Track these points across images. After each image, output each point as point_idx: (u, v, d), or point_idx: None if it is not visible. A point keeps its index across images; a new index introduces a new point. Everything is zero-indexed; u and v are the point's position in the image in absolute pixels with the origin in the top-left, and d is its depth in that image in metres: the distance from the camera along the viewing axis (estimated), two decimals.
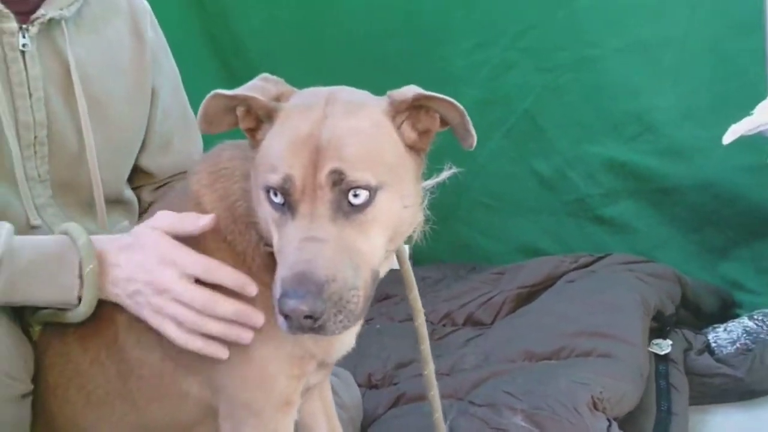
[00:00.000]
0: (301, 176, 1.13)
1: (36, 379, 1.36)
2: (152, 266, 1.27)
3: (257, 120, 1.24)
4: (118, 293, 1.31)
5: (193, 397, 1.37)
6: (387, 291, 2.69)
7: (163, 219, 1.32)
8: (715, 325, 2.37)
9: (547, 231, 2.96)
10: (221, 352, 1.28)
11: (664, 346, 2.18)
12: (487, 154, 2.92)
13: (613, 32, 2.73)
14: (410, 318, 2.46)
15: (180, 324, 1.27)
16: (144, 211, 1.74)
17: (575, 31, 2.77)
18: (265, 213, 1.20)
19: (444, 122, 1.24)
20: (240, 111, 1.24)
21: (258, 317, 1.27)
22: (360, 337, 2.34)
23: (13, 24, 1.48)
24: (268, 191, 1.17)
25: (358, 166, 1.14)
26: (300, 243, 1.12)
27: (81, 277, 1.28)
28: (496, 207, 3.01)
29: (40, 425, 1.41)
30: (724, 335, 2.30)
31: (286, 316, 1.09)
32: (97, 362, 1.38)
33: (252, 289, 1.27)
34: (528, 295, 2.51)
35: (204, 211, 1.31)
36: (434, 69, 2.89)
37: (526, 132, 2.91)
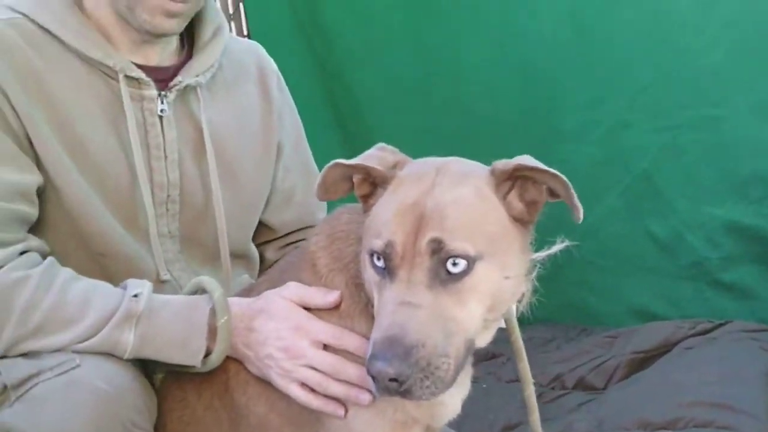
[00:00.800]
0: (401, 242, 1.16)
1: (156, 424, 1.42)
2: (287, 334, 1.35)
3: (372, 187, 1.29)
4: (248, 354, 1.38)
5: None
6: (493, 351, 2.65)
7: (293, 290, 1.39)
8: None
9: (662, 294, 2.86)
10: (339, 411, 1.34)
11: None
12: (601, 214, 2.86)
13: (738, 91, 2.66)
14: (517, 379, 2.44)
15: (304, 385, 1.34)
16: (267, 267, 1.80)
17: (696, 90, 2.71)
18: (369, 276, 1.24)
19: (554, 194, 1.24)
20: (357, 179, 1.30)
21: None
22: (466, 398, 2.34)
23: (153, 91, 1.57)
24: (372, 255, 1.21)
25: (458, 235, 1.16)
26: (395, 307, 1.15)
27: (210, 332, 1.36)
28: (608, 267, 2.94)
29: None
30: None
31: (374, 378, 1.12)
32: (211, 408, 1.44)
33: None
34: (642, 361, 2.43)
35: (318, 272, 1.38)
36: (549, 127, 2.88)
37: (642, 192, 2.84)
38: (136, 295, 1.36)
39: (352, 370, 1.32)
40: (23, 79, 1.44)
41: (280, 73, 1.87)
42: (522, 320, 3.05)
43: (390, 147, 1.33)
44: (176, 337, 1.35)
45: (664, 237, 2.84)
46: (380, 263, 1.19)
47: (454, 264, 1.16)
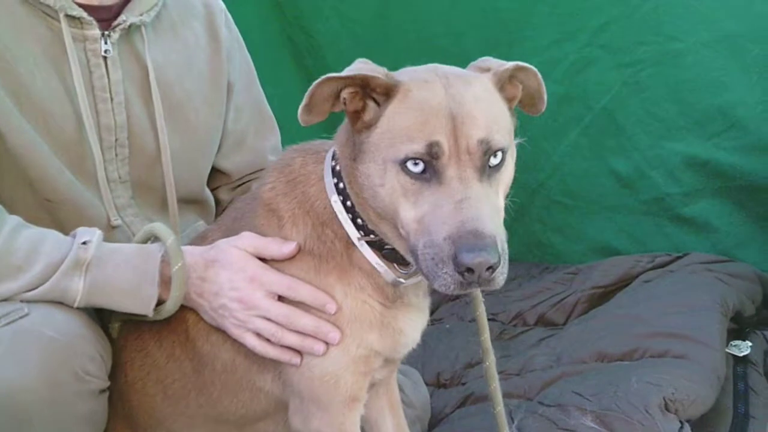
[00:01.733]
0: (446, 142, 1.20)
1: (116, 374, 1.44)
2: (240, 284, 1.36)
3: (363, 101, 1.28)
4: (202, 304, 1.39)
5: (265, 391, 1.44)
6: None
7: (248, 240, 1.38)
8: None
9: (624, 230, 2.89)
10: (295, 359, 1.37)
11: (743, 348, 2.12)
12: (562, 152, 2.89)
13: (698, 26, 2.64)
14: None
15: (259, 335, 1.36)
16: (222, 212, 1.78)
17: (657, 26, 2.69)
18: (392, 186, 1.23)
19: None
20: (349, 93, 1.27)
21: (334, 334, 1.34)
22: (429, 336, 2.36)
23: (95, 31, 1.54)
24: (404, 162, 1.21)
25: (495, 131, 1.23)
26: (457, 204, 1.18)
27: (162, 280, 1.36)
28: (571, 205, 2.96)
29: (121, 418, 1.49)
30: None
31: (465, 272, 1.14)
32: (173, 358, 1.46)
33: (331, 307, 1.34)
34: (602, 296, 2.47)
35: (281, 217, 1.38)
36: None
37: (604, 129, 2.84)
38: (85, 243, 1.35)
39: (306, 321, 1.34)
40: None
41: (227, 11, 1.84)
42: None
43: (369, 61, 1.32)
44: (127, 284, 1.35)
45: (626, 173, 2.85)
46: (418, 168, 1.20)
47: (495, 156, 1.23)
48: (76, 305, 1.33)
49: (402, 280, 1.35)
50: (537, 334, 2.40)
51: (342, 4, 3.09)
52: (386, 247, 1.33)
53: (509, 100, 1.32)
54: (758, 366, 2.08)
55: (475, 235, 1.14)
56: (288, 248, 1.35)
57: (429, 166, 1.20)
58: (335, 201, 1.33)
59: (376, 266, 1.34)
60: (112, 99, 1.56)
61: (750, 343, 2.15)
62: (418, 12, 3.00)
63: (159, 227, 1.42)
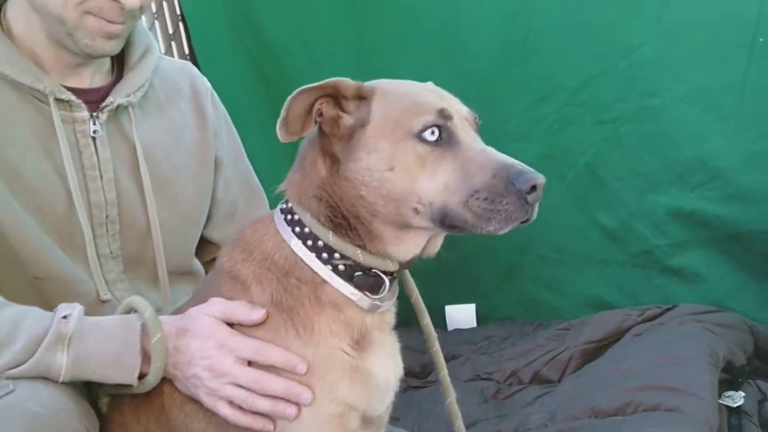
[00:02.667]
0: (453, 110, 1.32)
1: None
2: (211, 352, 1.36)
3: (334, 110, 1.35)
4: (176, 374, 1.39)
5: None
6: (453, 351, 2.70)
7: (217, 306, 1.39)
8: None
9: (615, 283, 2.92)
10: (268, 426, 1.36)
11: (736, 398, 2.12)
12: (549, 209, 2.86)
13: (673, 81, 2.73)
14: (476, 377, 2.49)
15: (233, 402, 1.35)
16: None
17: (633, 83, 2.77)
18: (407, 163, 1.30)
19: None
20: (323, 104, 1.34)
21: (305, 395, 1.34)
22: (424, 398, 2.37)
23: (84, 113, 1.59)
24: (420, 133, 1.29)
25: None
26: (482, 152, 1.29)
27: (143, 352, 1.37)
28: (561, 261, 2.99)
29: None
30: None
31: (530, 191, 1.23)
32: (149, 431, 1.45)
33: (302, 367, 1.34)
34: (595, 351, 2.48)
35: (244, 282, 1.40)
36: (493, 126, 2.90)
37: (588, 185, 2.90)
38: (65, 317, 1.36)
39: (277, 384, 1.34)
40: None
41: (213, 90, 1.90)
42: (481, 321, 3.13)
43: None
44: (109, 355, 1.36)
45: (613, 227, 2.90)
46: (434, 136, 1.29)
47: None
48: (61, 380, 1.34)
49: (379, 303, 1.37)
50: (532, 392, 2.41)
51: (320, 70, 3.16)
52: (356, 274, 1.35)
53: None
54: (753, 416, 2.08)
55: (518, 163, 1.26)
56: (257, 315, 1.36)
57: (443, 132, 1.29)
58: (296, 245, 1.37)
59: (350, 296, 1.36)
60: (101, 177, 1.61)
61: (743, 394, 2.15)
62: (393, 74, 3.06)
63: (137, 300, 1.44)
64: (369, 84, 1.37)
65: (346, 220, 1.36)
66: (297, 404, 1.35)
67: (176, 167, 1.73)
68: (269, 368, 1.36)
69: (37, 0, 1.53)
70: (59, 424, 1.29)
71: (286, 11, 3.03)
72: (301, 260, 1.37)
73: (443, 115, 1.30)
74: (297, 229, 1.38)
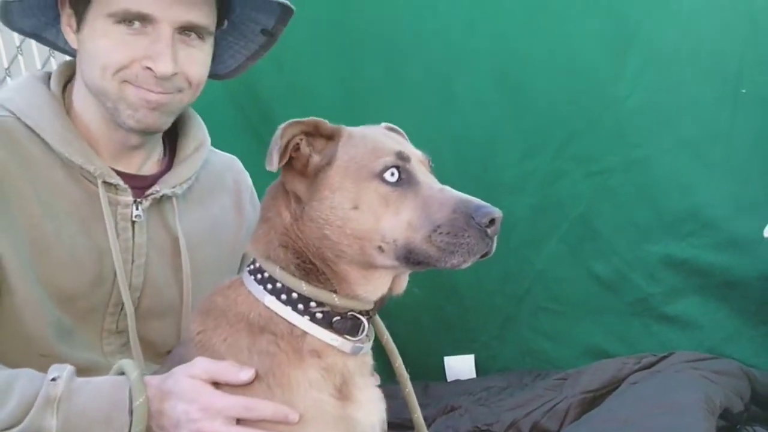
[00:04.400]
0: (410, 153, 1.43)
1: None
2: (197, 415, 1.37)
3: (307, 148, 1.43)
4: None
5: None
6: (452, 403, 2.71)
7: (202, 366, 1.40)
8: None
9: (612, 332, 2.93)
10: None
11: None
12: (544, 259, 2.96)
13: (660, 132, 2.78)
14: (475, 429, 2.50)
15: None
16: None
17: (620, 135, 2.83)
18: (371, 201, 1.37)
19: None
20: (302, 139, 1.42)
21: None
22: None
23: (129, 198, 1.65)
24: (381, 174, 1.37)
25: None
26: (441, 191, 1.38)
27: (131, 413, 1.38)
28: (558, 311, 3.01)
29: None
30: None
31: (489, 225, 1.32)
32: None
33: (294, 416, 1.36)
34: (593, 400, 2.48)
35: (215, 351, 1.42)
36: (485, 180, 2.98)
37: (582, 236, 2.93)
38: (54, 379, 1.38)
39: None
40: None
41: (253, 188, 1.96)
42: (480, 371, 3.12)
43: None
44: (99, 415, 1.37)
45: (608, 276, 2.92)
46: (394, 177, 1.38)
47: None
48: None
49: (361, 345, 1.42)
50: None
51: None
52: (335, 319, 1.40)
53: None
54: None
55: (476, 199, 1.34)
56: (245, 374, 1.37)
57: (403, 173, 1.38)
58: (269, 301, 1.41)
59: (331, 342, 1.40)
60: (132, 261, 1.66)
61: None
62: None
63: (125, 362, 1.47)
64: (341, 127, 1.46)
65: (313, 264, 1.40)
66: None
67: (209, 260, 1.79)
68: (258, 423, 1.37)
69: (86, 78, 1.60)
70: None
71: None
72: (276, 315, 1.40)
73: (401, 157, 1.39)
74: (269, 285, 1.42)
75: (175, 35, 1.57)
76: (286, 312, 1.40)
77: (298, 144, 1.42)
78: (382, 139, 1.46)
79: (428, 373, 3.11)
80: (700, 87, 2.72)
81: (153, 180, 1.71)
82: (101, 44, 1.55)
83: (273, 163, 1.36)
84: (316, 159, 1.43)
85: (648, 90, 2.77)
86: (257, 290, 1.43)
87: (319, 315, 1.40)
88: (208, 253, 1.78)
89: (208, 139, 1.85)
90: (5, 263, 1.52)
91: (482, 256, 1.36)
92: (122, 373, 1.46)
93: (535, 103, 2.91)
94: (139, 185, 1.69)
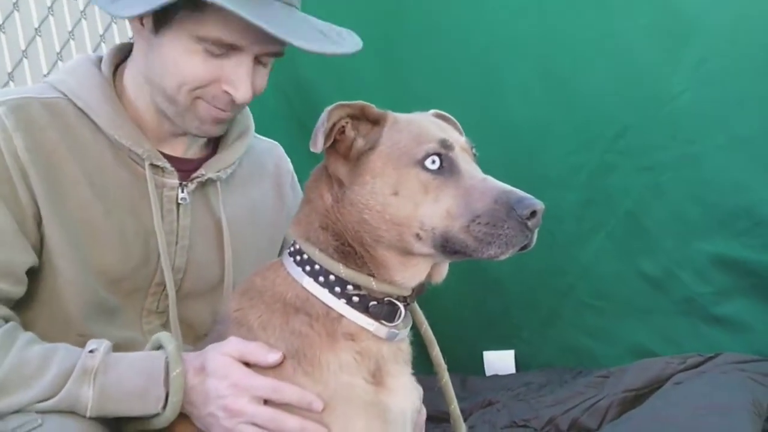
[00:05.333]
0: (454, 140, 1.41)
1: None
2: (225, 392, 1.38)
3: (353, 132, 1.43)
4: (192, 411, 1.42)
5: None
6: (490, 398, 2.70)
7: (234, 345, 1.41)
8: None
9: (658, 331, 2.87)
10: None
11: None
12: (590, 256, 2.92)
13: (713, 129, 2.72)
14: (512, 424, 2.47)
15: None
16: None
17: (673, 131, 2.77)
18: (411, 188, 1.36)
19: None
20: (347, 124, 1.42)
21: (321, 431, 1.35)
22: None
23: (175, 180, 1.67)
24: (423, 161, 1.36)
25: None
26: (483, 181, 1.35)
27: (167, 383, 1.39)
28: (603, 308, 2.96)
29: None
30: None
31: (530, 217, 1.28)
32: None
33: (317, 405, 1.35)
34: (635, 399, 2.44)
35: (250, 327, 1.43)
36: (534, 175, 2.93)
37: (629, 232, 2.88)
38: (92, 351, 1.40)
39: (292, 423, 1.35)
40: (46, 160, 1.53)
41: (294, 174, 1.97)
42: (520, 367, 3.10)
43: None
44: (135, 387, 1.39)
45: (655, 275, 2.86)
46: (435, 165, 1.36)
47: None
48: (88, 414, 1.37)
49: (396, 331, 1.41)
50: None
51: None
52: (371, 303, 1.39)
53: None
54: None
55: (518, 190, 1.31)
56: (273, 357, 1.38)
57: (445, 161, 1.36)
58: (308, 283, 1.40)
59: (366, 326, 1.39)
60: (177, 242, 1.68)
61: None
62: None
63: (163, 335, 1.48)
64: (382, 111, 1.45)
65: (352, 248, 1.39)
66: None
67: (249, 243, 1.79)
68: (285, 407, 1.37)
69: (154, 78, 1.61)
70: None
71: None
72: (314, 296, 1.40)
73: (444, 144, 1.37)
74: (308, 267, 1.42)
75: (253, 61, 1.60)
76: (323, 294, 1.40)
77: (343, 127, 1.42)
78: (426, 125, 1.44)
79: (467, 367, 3.09)
80: (755, 83, 2.64)
81: (198, 164, 1.72)
82: (184, 60, 1.56)
83: (318, 144, 1.36)
84: (360, 143, 1.43)
85: (702, 85, 2.71)
86: (296, 272, 1.43)
87: (355, 299, 1.40)
88: (248, 237, 1.78)
89: (252, 126, 1.86)
90: (52, 245, 1.54)
91: (522, 249, 1.33)
92: (159, 347, 1.48)
93: (585, 97, 2.87)
94: (185, 169, 1.70)
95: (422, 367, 1.60)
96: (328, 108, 1.38)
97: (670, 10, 2.73)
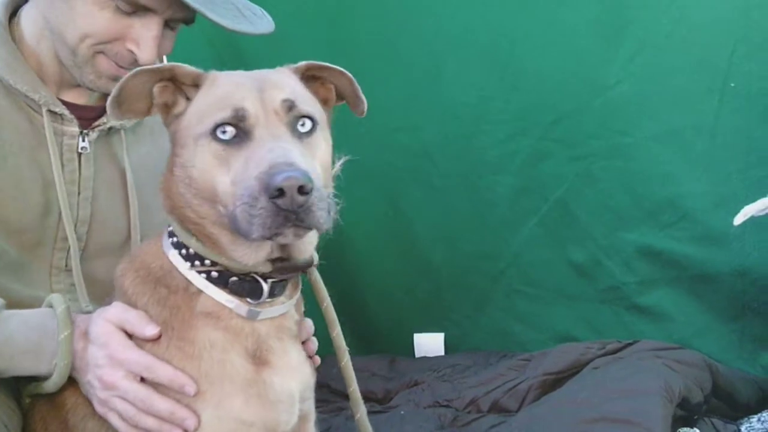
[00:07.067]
0: (252, 106, 1.24)
1: None
2: (102, 362, 1.35)
3: (173, 95, 1.34)
4: (76, 377, 1.40)
5: None
6: (416, 378, 2.71)
7: (115, 312, 1.38)
8: (750, 416, 2.29)
9: (583, 319, 2.92)
10: None
11: None
12: (521, 241, 2.95)
13: (645, 121, 2.76)
14: (435, 404, 2.49)
15: (122, 416, 1.34)
16: None
17: (607, 121, 2.81)
18: (204, 160, 1.25)
19: (339, 96, 1.43)
20: (158, 87, 1.33)
21: (190, 420, 1.31)
22: (384, 423, 2.37)
23: (74, 128, 1.63)
24: (214, 132, 1.24)
25: (300, 97, 1.30)
26: (268, 150, 1.19)
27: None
28: (531, 294, 3.00)
29: None
30: (758, 425, 2.24)
31: (278, 196, 1.12)
32: None
33: (190, 389, 1.31)
34: (554, 382, 2.49)
35: (125, 292, 1.39)
36: (471, 159, 2.96)
37: (560, 220, 2.92)
38: None
39: (162, 405, 1.32)
40: None
41: None
42: (449, 349, 3.12)
43: None
44: (27, 343, 1.36)
45: (583, 263, 2.91)
46: (227, 135, 1.24)
47: (303, 124, 1.28)
48: None
49: (258, 309, 1.34)
50: (489, 421, 2.41)
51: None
52: (231, 279, 1.32)
53: (323, 101, 1.41)
54: None
55: (286, 163, 1.15)
56: (151, 331, 1.33)
57: (239, 131, 1.24)
58: (172, 254, 1.35)
59: (225, 303, 1.32)
60: (79, 193, 1.64)
61: (698, 431, 2.16)
62: (375, 105, 3.10)
63: (54, 296, 1.45)
64: (207, 73, 1.34)
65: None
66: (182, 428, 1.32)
67: (157, 194, 1.75)
68: (159, 386, 1.32)
69: (58, 26, 1.57)
70: None
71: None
72: (176, 269, 1.34)
73: (238, 114, 1.24)
74: (175, 239, 1.36)
75: (162, 25, 1.58)
76: (184, 267, 1.34)
77: (155, 93, 1.34)
78: (232, 89, 1.28)
79: (396, 349, 3.11)
80: (689, 78, 2.69)
81: (101, 111, 1.68)
82: (93, 13, 1.53)
83: (112, 114, 1.32)
84: (178, 108, 1.34)
85: (637, 78, 2.75)
86: (165, 242, 1.39)
87: (214, 274, 1.33)
88: (156, 187, 1.75)
89: None
90: None
91: (310, 229, 1.20)
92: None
93: (524, 84, 2.88)
94: (87, 117, 1.67)
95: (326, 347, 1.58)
96: (129, 73, 1.31)
97: (611, 3, 2.75)
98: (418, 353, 3.11)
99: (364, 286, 3.06)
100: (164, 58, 1.89)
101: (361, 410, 1.59)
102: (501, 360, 2.82)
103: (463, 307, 3.10)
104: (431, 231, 3.07)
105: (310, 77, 1.41)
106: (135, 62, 1.57)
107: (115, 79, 1.56)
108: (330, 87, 1.44)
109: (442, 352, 3.08)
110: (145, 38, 1.55)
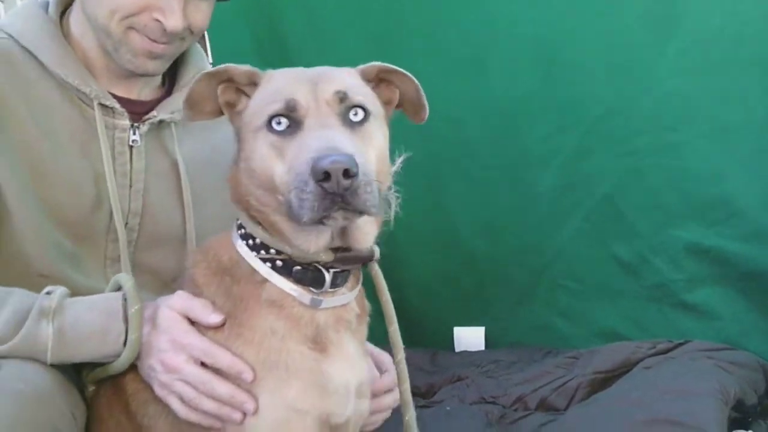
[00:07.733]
0: (303, 97, 1.29)
1: None
2: (164, 346, 1.38)
3: (236, 94, 1.40)
4: (135, 362, 1.42)
5: None
6: (459, 373, 2.71)
7: (179, 300, 1.41)
8: None
9: (628, 316, 2.89)
10: (217, 425, 1.37)
11: None
12: (566, 237, 2.93)
13: (695, 118, 2.72)
14: (481, 400, 2.48)
15: (182, 399, 1.36)
16: None
17: (655, 117, 2.77)
18: (262, 152, 1.31)
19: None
20: (222, 87, 1.39)
21: (249, 404, 1.34)
22: (429, 418, 2.36)
23: (125, 122, 1.65)
24: (269, 123, 1.30)
25: (354, 89, 1.34)
26: (318, 137, 1.24)
27: (126, 320, 1.39)
28: (575, 290, 2.97)
29: None
30: None
31: (324, 179, 1.16)
32: (120, 425, 1.46)
33: (247, 376, 1.34)
34: (603, 381, 2.47)
35: (197, 284, 1.43)
36: (515, 154, 2.94)
37: (606, 216, 2.89)
38: (48, 293, 1.39)
39: (222, 389, 1.34)
40: None
41: None
42: (490, 344, 3.11)
43: None
44: (94, 326, 1.38)
45: (629, 259, 2.88)
46: (281, 126, 1.29)
47: (355, 114, 1.32)
48: (49, 358, 1.35)
49: (321, 298, 1.37)
50: (537, 419, 2.39)
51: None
52: (295, 268, 1.36)
53: (386, 103, 1.43)
54: None
55: (333, 148, 1.19)
56: (214, 318, 1.37)
57: (291, 121, 1.29)
58: (240, 245, 1.39)
59: (290, 291, 1.36)
60: (131, 186, 1.65)
61: None
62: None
63: (121, 275, 1.48)
64: (265, 72, 1.40)
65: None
66: (242, 413, 1.34)
67: (209, 188, 1.76)
68: (220, 371, 1.36)
69: (89, 11, 1.60)
70: (43, 403, 1.29)
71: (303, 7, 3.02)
72: (243, 259, 1.38)
73: (289, 105, 1.29)
74: (242, 230, 1.40)
75: None
76: (250, 257, 1.38)
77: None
78: (283, 84, 1.34)
79: (437, 342, 3.10)
80: (740, 74, 2.64)
81: (152, 105, 1.71)
82: None
83: (186, 115, 1.40)
84: (240, 105, 1.41)
85: (687, 74, 2.71)
86: (235, 234, 1.43)
87: (279, 263, 1.37)
88: (209, 181, 1.74)
89: (209, 67, 1.84)
90: (2, 185, 1.52)
91: (358, 212, 1.23)
92: (119, 289, 1.46)
93: (571, 78, 2.84)
94: (138, 110, 1.68)
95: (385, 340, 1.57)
96: (197, 77, 1.39)
97: None
98: (458, 347, 3.10)
99: (405, 278, 3.04)
100: (206, 36, 1.87)
101: (410, 413, 1.55)
102: (546, 357, 2.80)
103: (504, 301, 3.09)
104: (473, 224, 3.05)
105: (378, 79, 1.44)
106: (164, 33, 1.58)
107: (150, 55, 1.60)
108: (395, 89, 1.46)
109: (482, 347, 3.07)
110: (168, 4, 1.56)
